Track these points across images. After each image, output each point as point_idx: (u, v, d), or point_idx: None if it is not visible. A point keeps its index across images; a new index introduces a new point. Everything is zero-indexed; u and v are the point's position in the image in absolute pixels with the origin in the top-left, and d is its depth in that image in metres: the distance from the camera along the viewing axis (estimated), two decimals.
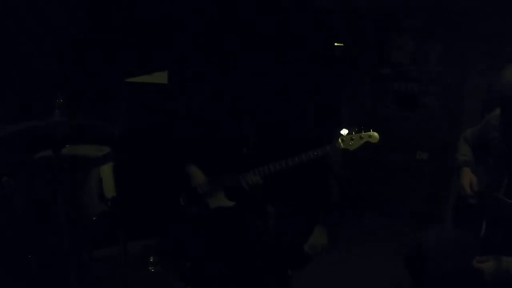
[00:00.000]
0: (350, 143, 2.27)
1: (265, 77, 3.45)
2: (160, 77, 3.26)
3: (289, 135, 3.43)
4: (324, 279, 3.00)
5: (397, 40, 3.97)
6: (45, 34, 2.78)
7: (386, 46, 4.03)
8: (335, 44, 4.12)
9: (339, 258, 3.33)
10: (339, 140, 2.28)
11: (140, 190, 3.08)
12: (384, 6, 3.95)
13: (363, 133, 2.27)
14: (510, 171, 1.92)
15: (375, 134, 2.27)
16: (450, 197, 3.57)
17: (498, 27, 3.25)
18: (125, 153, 2.79)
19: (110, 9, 3.03)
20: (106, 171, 2.58)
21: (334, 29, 4.16)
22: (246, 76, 3.28)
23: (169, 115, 3.10)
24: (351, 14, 4.14)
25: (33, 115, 2.11)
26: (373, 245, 3.62)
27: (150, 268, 2.99)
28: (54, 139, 2.11)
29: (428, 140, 3.83)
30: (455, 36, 3.57)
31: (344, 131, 2.29)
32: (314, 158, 2.32)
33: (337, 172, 4.28)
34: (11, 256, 2.42)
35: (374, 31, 4.11)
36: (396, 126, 3.99)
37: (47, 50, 2.80)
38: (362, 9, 4.07)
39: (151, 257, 3.01)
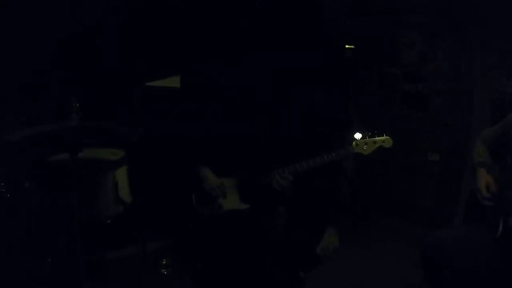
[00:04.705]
0: (364, 147, 2.27)
1: (274, 76, 3.45)
2: (173, 81, 3.28)
3: (298, 135, 3.44)
4: (336, 281, 3.01)
5: (406, 39, 3.96)
6: (61, 38, 2.80)
7: (394, 45, 4.03)
8: (346, 46, 4.12)
9: (351, 259, 3.33)
10: (353, 144, 2.29)
11: (154, 192, 3.11)
12: (391, 4, 3.96)
13: (377, 137, 2.28)
14: None
15: (389, 139, 2.28)
16: (461, 197, 3.58)
17: (508, 25, 3.25)
18: (142, 155, 2.82)
19: (123, 13, 3.06)
20: (121, 174, 2.61)
21: (343, 28, 4.16)
22: (256, 75, 3.28)
23: (182, 117, 3.13)
24: (359, 13, 4.14)
25: (50, 119, 2.14)
26: (384, 246, 3.62)
27: (162, 270, 3.00)
28: (70, 143, 2.14)
29: (439, 140, 3.83)
30: (464, 34, 3.56)
31: (358, 135, 2.29)
32: (328, 161, 2.33)
33: (348, 174, 4.29)
34: (29, 258, 2.45)
35: (382, 30, 4.11)
36: (406, 126, 3.99)
37: (63, 54, 2.83)
38: (370, 8, 4.07)
39: (164, 259, 3.02)
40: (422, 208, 3.94)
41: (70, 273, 2.47)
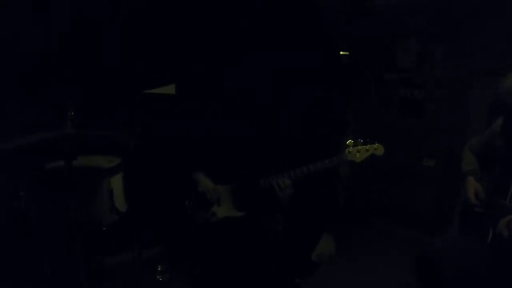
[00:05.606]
0: (357, 155, 2.28)
1: (274, 76, 3.44)
2: (168, 88, 3.29)
3: (298, 136, 3.43)
4: (332, 287, 3.02)
5: (403, 44, 3.98)
6: (59, 47, 2.82)
7: (391, 51, 4.05)
8: (341, 53, 4.13)
9: (347, 265, 3.34)
10: (346, 152, 2.30)
11: (149, 199, 3.11)
12: (389, 9, 3.97)
13: (369, 145, 2.29)
14: None
15: (381, 146, 2.29)
16: (457, 203, 3.58)
17: (506, 31, 3.26)
18: (139, 162, 2.82)
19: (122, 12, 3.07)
20: (116, 182, 2.63)
21: (342, 29, 4.17)
22: (256, 75, 3.27)
23: (181, 117, 3.13)
24: (356, 18, 4.15)
25: (45, 127, 2.16)
26: (380, 252, 3.63)
27: (158, 277, 3.01)
28: (65, 151, 2.16)
29: (435, 146, 3.84)
30: (462, 39, 3.57)
31: (351, 143, 2.30)
32: (321, 168, 2.34)
33: (344, 180, 4.28)
34: (28, 264, 2.48)
35: (379, 35, 4.12)
36: (402, 132, 4.00)
37: (59, 62, 2.84)
38: (367, 12, 4.09)
39: (159, 266, 3.03)
40: (419, 213, 3.94)
41: (68, 280, 2.49)
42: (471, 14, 3.46)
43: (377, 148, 2.28)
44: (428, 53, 3.81)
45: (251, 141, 2.64)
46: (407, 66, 3.96)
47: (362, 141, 2.29)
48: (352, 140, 2.30)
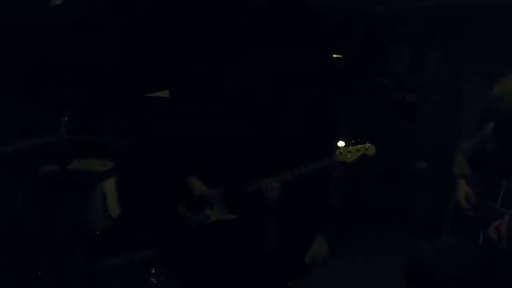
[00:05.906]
0: (348, 156, 2.29)
1: (274, 77, 3.45)
2: (164, 92, 3.30)
3: (297, 136, 3.44)
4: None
5: (395, 48, 4.01)
6: (52, 55, 2.83)
7: (384, 55, 4.07)
8: (334, 55, 4.16)
9: (341, 268, 3.34)
10: (337, 153, 2.31)
11: (143, 202, 3.11)
12: (382, 14, 4.00)
13: (359, 145, 2.29)
14: (507, 182, 1.97)
15: (372, 146, 2.29)
16: (449, 206, 3.59)
17: (499, 36, 3.29)
18: (132, 165, 2.82)
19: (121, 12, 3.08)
20: (109, 186, 2.62)
21: (333, 38, 4.19)
22: (255, 75, 3.27)
23: (180, 118, 3.14)
24: (349, 23, 4.18)
25: (39, 132, 2.17)
26: (374, 254, 3.62)
27: (152, 279, 3.00)
28: (59, 155, 2.17)
29: (428, 149, 3.86)
30: (454, 44, 3.60)
31: (341, 143, 2.31)
32: (312, 170, 2.35)
33: (336, 182, 4.29)
34: (22, 267, 2.48)
35: (372, 39, 4.15)
36: (395, 136, 4.02)
37: (53, 68, 2.85)
38: (359, 17, 4.12)
39: (153, 268, 3.03)
40: (414, 215, 3.95)
41: (64, 283, 2.49)
42: (468, 17, 3.49)
43: (368, 148, 2.29)
44: (423, 56, 3.84)
45: (250, 142, 2.64)
46: (401, 70, 3.99)
47: (353, 141, 2.30)
48: (343, 141, 2.31)
